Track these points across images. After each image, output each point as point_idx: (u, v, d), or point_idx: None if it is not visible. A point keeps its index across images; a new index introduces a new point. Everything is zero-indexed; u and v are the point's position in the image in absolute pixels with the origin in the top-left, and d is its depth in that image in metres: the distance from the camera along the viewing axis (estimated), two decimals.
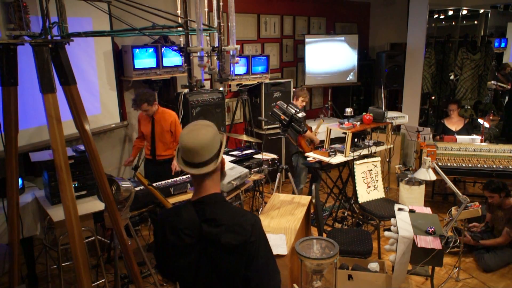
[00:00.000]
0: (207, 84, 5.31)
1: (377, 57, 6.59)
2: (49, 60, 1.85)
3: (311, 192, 3.28)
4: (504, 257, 3.63)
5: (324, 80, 6.40)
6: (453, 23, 7.22)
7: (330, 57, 6.36)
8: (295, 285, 2.45)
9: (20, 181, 3.00)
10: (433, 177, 3.16)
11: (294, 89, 5.25)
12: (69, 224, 1.92)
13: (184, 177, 3.33)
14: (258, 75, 5.26)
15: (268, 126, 5.40)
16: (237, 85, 5.26)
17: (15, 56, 1.93)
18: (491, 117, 6.75)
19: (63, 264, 2.94)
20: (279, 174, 3.89)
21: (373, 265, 3.37)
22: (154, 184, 3.14)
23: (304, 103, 4.78)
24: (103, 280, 3.10)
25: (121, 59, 4.39)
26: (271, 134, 5.41)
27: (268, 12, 5.95)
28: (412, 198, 4.14)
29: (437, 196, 5.19)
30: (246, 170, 2.85)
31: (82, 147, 3.18)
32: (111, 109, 4.38)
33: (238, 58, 2.39)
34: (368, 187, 4.62)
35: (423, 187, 4.20)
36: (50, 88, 1.85)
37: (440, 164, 4.34)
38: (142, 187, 3.08)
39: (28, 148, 3.37)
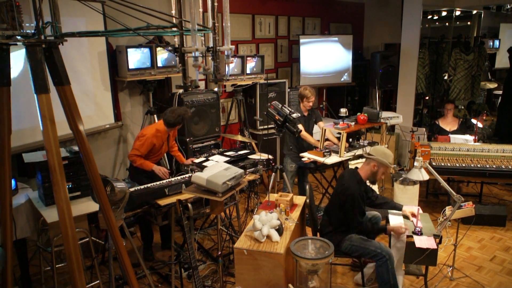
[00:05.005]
0: (201, 84, 5.30)
1: (372, 57, 6.62)
2: (42, 60, 1.84)
3: (303, 192, 3.25)
4: None
5: (319, 80, 6.42)
6: (447, 23, 7.27)
7: (324, 57, 6.38)
8: (290, 285, 2.46)
9: (13, 182, 2.99)
10: (425, 177, 3.18)
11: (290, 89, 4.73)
12: (63, 225, 1.91)
13: (179, 177, 3.33)
14: (253, 76, 5.26)
15: (264, 127, 5.40)
16: (232, 85, 5.26)
17: (8, 56, 1.91)
18: (484, 117, 6.81)
19: (57, 266, 2.92)
20: (273, 174, 3.89)
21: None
22: (149, 185, 3.14)
23: (311, 103, 4.48)
24: (98, 281, 3.09)
25: (115, 60, 4.37)
26: (266, 135, 5.41)
27: (263, 12, 5.95)
28: (406, 197, 4.16)
29: (431, 196, 5.22)
30: (241, 171, 2.84)
31: (76, 148, 3.16)
32: (105, 110, 4.36)
33: (233, 59, 2.38)
34: None
35: (417, 187, 4.22)
36: (43, 88, 1.84)
37: (434, 164, 4.36)
38: (136, 188, 3.08)
39: (22, 149, 3.34)
